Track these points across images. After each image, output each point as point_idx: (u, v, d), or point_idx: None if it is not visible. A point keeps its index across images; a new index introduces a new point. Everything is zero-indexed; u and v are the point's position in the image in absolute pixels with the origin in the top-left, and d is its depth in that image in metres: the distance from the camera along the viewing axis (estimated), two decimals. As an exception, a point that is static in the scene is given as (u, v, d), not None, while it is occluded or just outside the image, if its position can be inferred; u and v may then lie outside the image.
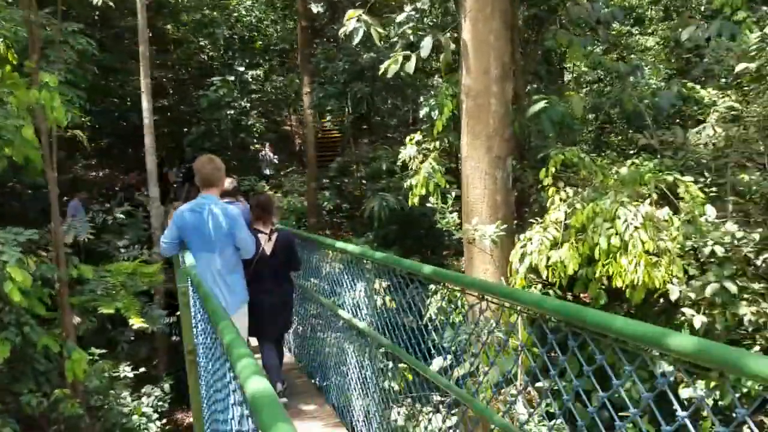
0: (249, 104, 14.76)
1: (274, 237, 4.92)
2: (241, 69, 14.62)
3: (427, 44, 6.14)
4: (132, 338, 7.57)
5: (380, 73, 6.35)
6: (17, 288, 4.20)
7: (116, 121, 18.95)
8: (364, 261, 4.20)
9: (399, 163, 14.10)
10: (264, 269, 4.75)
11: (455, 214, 6.14)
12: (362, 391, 4.44)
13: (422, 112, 7.83)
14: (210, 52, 17.69)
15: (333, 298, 5.01)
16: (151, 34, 19.91)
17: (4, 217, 11.51)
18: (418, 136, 7.75)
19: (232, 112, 14.52)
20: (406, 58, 6.07)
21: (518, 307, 2.23)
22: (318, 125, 13.58)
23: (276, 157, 16.63)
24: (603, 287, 5.56)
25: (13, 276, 4.14)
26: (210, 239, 4.08)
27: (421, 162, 7.44)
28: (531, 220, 5.72)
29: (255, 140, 15.86)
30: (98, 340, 6.80)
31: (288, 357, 6.67)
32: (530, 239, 5.23)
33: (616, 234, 5.08)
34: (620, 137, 12.06)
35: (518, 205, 7.85)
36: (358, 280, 4.40)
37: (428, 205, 6.17)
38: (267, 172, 15.13)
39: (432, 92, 7.94)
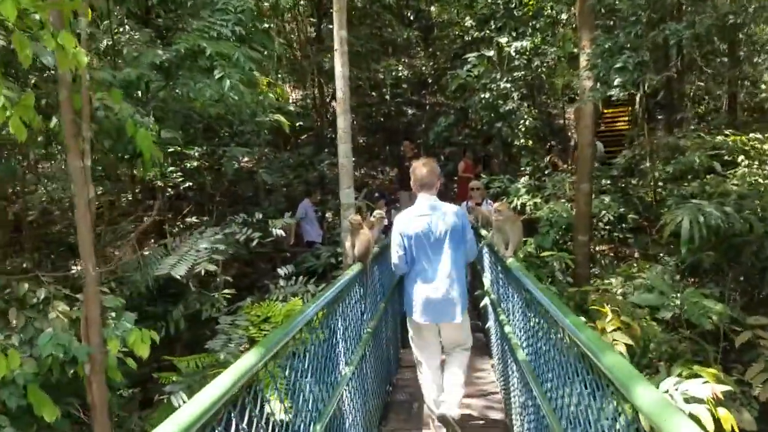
0: (510, 84, 11.73)
1: None
2: (504, 40, 11.65)
3: None
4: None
5: None
6: None
7: (369, 116, 17.80)
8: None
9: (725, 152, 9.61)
10: None
11: None
12: None
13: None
14: (472, 31, 15.20)
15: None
16: (413, 17, 18.47)
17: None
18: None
19: (487, 95, 11.69)
20: None
21: None
22: (598, 108, 9.98)
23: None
24: None
25: None
26: (440, 241, 3.95)
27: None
28: None
29: (519, 130, 12.79)
30: None
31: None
32: None
33: None
34: None
35: None
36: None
37: None
38: None
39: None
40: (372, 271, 5.05)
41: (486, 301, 6.16)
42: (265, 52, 8.23)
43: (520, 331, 3.69)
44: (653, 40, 6.11)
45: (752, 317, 5.49)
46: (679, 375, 3.88)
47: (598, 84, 5.98)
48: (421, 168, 4.11)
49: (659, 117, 16.56)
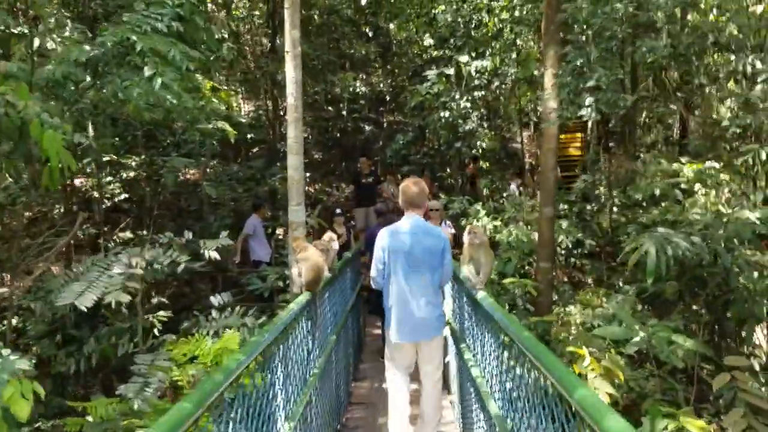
0: (470, 104, 11.42)
1: None
2: (464, 59, 11.34)
3: None
4: None
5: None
6: None
7: (326, 130, 17.28)
8: None
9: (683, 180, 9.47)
10: None
11: None
12: None
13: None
14: (431, 50, 14.92)
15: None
16: (371, 33, 18.10)
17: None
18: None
19: (447, 114, 11.33)
20: None
21: None
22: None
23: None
24: None
25: None
26: (419, 260, 4.02)
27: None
28: None
29: (477, 151, 12.49)
30: None
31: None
32: None
33: None
34: None
35: None
36: None
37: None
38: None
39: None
40: (323, 300, 4.47)
41: (446, 331, 5.67)
42: (212, 57, 7.59)
43: (493, 378, 3.18)
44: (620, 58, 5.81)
45: (731, 357, 5.16)
46: (665, 428, 3.46)
47: (568, 104, 5.63)
48: (411, 187, 4.21)
49: (611, 144, 16.65)
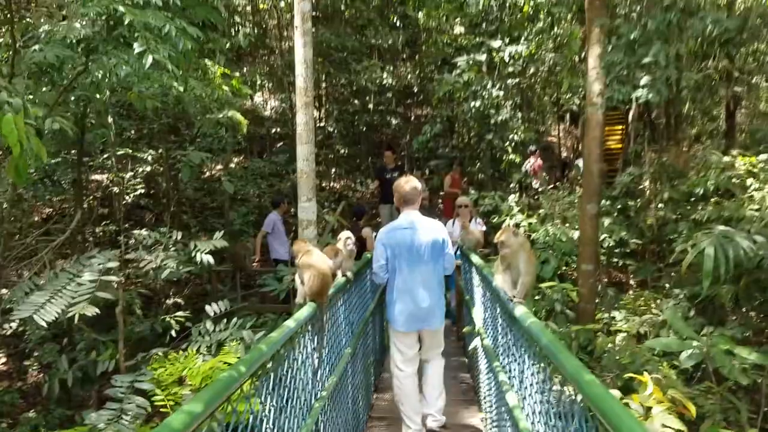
0: (503, 92, 10.72)
1: None
2: (497, 44, 10.64)
3: None
4: None
5: None
6: None
7: (351, 124, 16.71)
8: None
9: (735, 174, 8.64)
10: None
11: None
12: None
13: None
14: (461, 39, 14.21)
15: None
16: (399, 23, 17.45)
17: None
18: None
19: (478, 103, 10.65)
20: None
21: None
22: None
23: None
24: None
25: None
26: (420, 254, 4.23)
27: None
28: None
29: (509, 142, 11.78)
30: None
31: None
32: None
33: None
34: None
35: None
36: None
37: None
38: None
39: None
40: (335, 310, 3.91)
41: (476, 343, 5.05)
42: (227, 44, 7.08)
43: (535, 416, 2.56)
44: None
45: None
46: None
47: (619, 85, 4.92)
48: (404, 185, 4.40)
49: (655, 137, 15.71)
